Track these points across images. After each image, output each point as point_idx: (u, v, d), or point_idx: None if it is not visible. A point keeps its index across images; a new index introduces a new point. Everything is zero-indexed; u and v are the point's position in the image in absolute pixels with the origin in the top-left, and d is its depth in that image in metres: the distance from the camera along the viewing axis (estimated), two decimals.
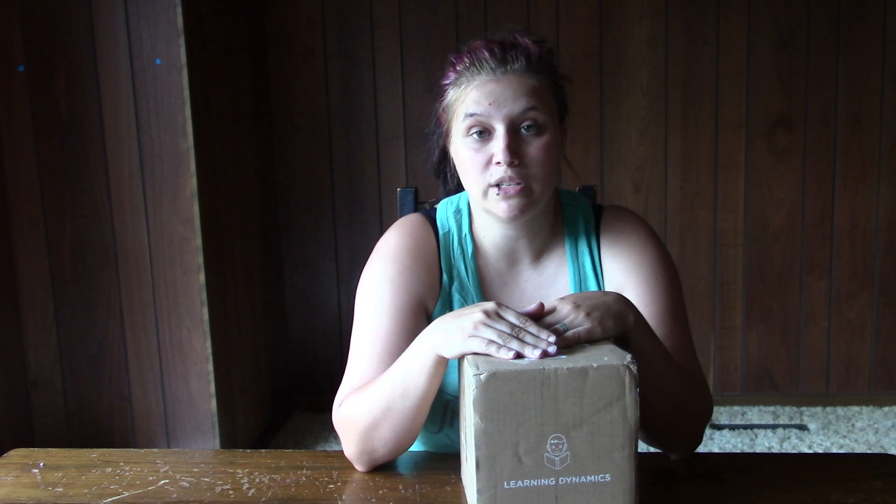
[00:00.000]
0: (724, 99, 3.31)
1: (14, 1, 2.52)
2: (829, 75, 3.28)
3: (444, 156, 1.31)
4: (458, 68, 1.22)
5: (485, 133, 1.18)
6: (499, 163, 1.16)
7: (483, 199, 1.20)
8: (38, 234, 2.62)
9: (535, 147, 1.17)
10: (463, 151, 1.21)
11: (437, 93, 1.27)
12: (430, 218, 1.32)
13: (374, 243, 1.31)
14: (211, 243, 2.69)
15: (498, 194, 1.18)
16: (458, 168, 1.25)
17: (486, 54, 1.19)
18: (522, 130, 1.18)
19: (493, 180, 1.18)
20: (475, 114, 1.18)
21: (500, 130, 1.17)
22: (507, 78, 1.18)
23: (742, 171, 3.35)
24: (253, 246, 3.17)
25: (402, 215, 1.54)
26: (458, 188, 1.32)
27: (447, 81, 1.25)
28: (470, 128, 1.19)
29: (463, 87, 1.21)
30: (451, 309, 1.26)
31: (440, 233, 1.30)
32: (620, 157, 3.35)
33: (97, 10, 2.52)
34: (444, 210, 1.32)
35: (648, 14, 3.27)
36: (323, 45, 3.34)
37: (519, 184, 1.17)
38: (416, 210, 1.56)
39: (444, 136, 1.27)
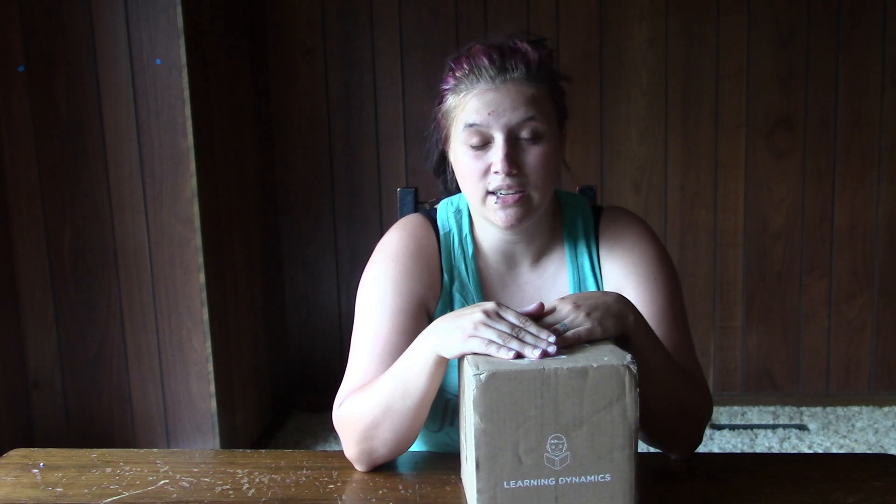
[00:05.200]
0: (724, 99, 3.31)
1: (14, 1, 2.52)
2: (829, 75, 3.28)
3: (443, 157, 1.31)
4: (457, 74, 1.22)
5: (484, 142, 1.18)
6: (497, 171, 1.17)
7: (482, 207, 1.21)
8: (38, 234, 2.62)
9: (533, 155, 1.17)
10: (462, 159, 1.21)
11: (436, 96, 1.27)
12: (431, 218, 1.32)
13: (374, 243, 1.31)
14: (211, 243, 2.69)
15: (496, 202, 1.18)
16: (456, 174, 1.25)
17: (486, 61, 1.19)
18: (521, 139, 1.18)
19: (491, 187, 1.18)
20: (475, 124, 1.18)
21: (498, 140, 1.17)
22: (506, 87, 1.18)
23: (742, 171, 3.35)
24: (253, 246, 3.17)
25: (402, 215, 1.54)
26: (458, 188, 1.32)
27: (446, 87, 1.24)
28: (469, 137, 1.19)
29: (462, 94, 1.20)
30: (451, 309, 1.26)
31: (441, 233, 1.30)
32: (620, 157, 3.35)
33: (97, 10, 2.52)
34: (445, 210, 1.32)
35: (648, 14, 3.27)
36: (323, 45, 3.34)
37: (518, 192, 1.17)
38: (416, 210, 1.56)
39: (444, 141, 1.27)
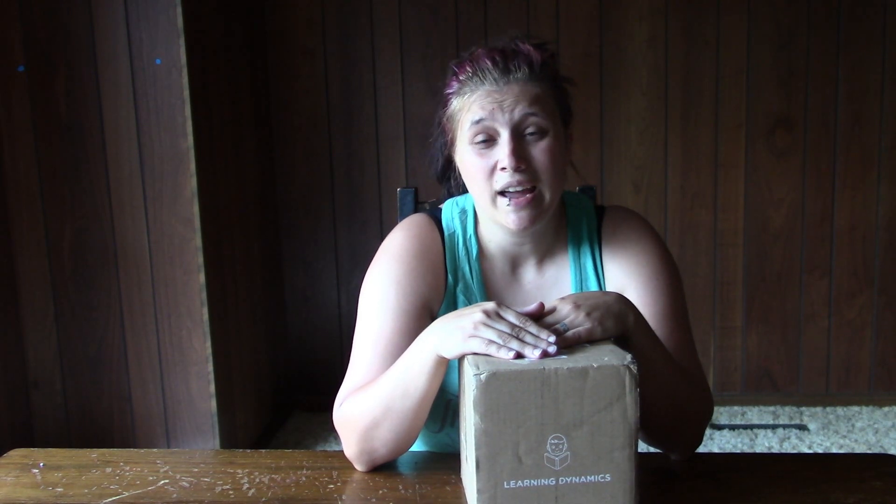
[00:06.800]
0: (724, 99, 3.31)
1: (14, 1, 2.52)
2: (829, 75, 3.28)
3: (449, 163, 1.31)
4: (461, 78, 1.22)
5: (490, 140, 1.19)
6: (504, 168, 1.17)
7: (492, 208, 1.20)
8: (38, 234, 2.62)
9: (538, 150, 1.18)
10: (468, 158, 1.21)
11: (440, 101, 1.27)
12: (436, 218, 1.32)
13: (374, 243, 1.31)
14: (211, 243, 2.69)
15: (508, 205, 1.18)
16: (463, 176, 1.25)
17: (489, 64, 1.19)
18: (526, 135, 1.18)
19: (498, 187, 1.18)
20: (480, 120, 1.18)
21: (504, 136, 1.17)
22: (509, 87, 1.18)
23: (742, 171, 3.35)
24: (253, 246, 3.17)
25: (402, 215, 1.53)
26: (463, 191, 1.32)
27: (450, 91, 1.25)
28: (475, 135, 1.19)
29: (467, 96, 1.21)
30: (455, 310, 1.26)
31: (445, 234, 1.30)
32: (620, 157, 3.35)
33: (97, 10, 2.52)
34: (450, 211, 1.32)
35: (648, 14, 3.27)
36: (323, 46, 3.34)
37: (528, 191, 1.17)
38: (415, 210, 1.56)
39: (449, 145, 1.27)
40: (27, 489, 1.16)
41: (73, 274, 2.64)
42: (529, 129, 1.18)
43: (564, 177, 1.24)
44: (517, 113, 1.17)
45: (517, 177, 1.16)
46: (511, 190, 1.18)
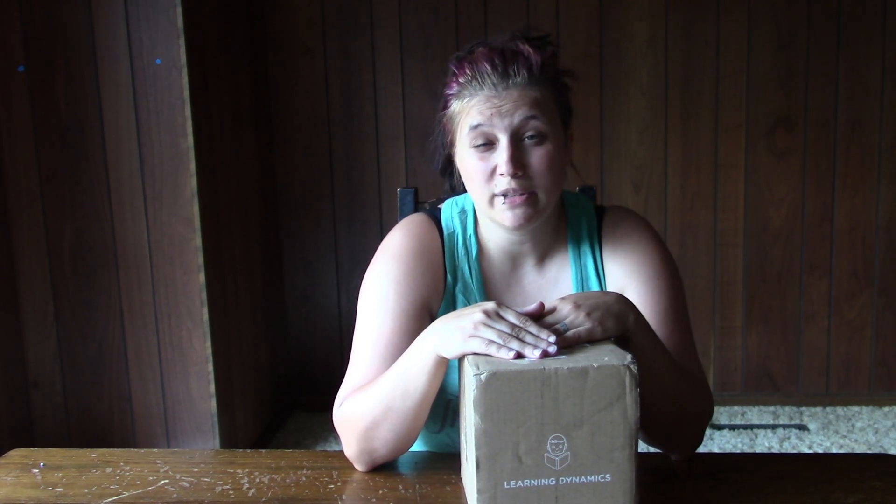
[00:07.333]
0: (724, 99, 3.31)
1: (14, 1, 2.52)
2: (829, 75, 3.28)
3: (449, 161, 1.31)
4: (460, 80, 1.22)
5: (489, 144, 1.19)
6: (502, 174, 1.17)
7: (489, 209, 1.21)
8: (38, 234, 2.62)
9: (537, 156, 1.18)
10: (468, 160, 1.21)
11: (440, 101, 1.27)
12: (435, 218, 1.32)
13: (374, 243, 1.31)
14: (211, 243, 2.69)
15: (504, 203, 1.18)
16: (463, 177, 1.25)
17: (488, 67, 1.19)
18: (525, 140, 1.18)
19: (497, 191, 1.18)
20: (479, 125, 1.18)
21: (503, 141, 1.17)
22: (508, 92, 1.18)
23: (742, 171, 3.35)
24: (253, 246, 3.17)
25: (402, 215, 1.54)
26: (465, 189, 1.32)
27: (450, 92, 1.24)
28: (474, 139, 1.19)
29: (466, 99, 1.21)
30: (454, 309, 1.26)
31: (445, 233, 1.30)
32: (620, 157, 3.35)
33: (97, 10, 2.52)
34: (449, 210, 1.32)
35: (648, 14, 3.27)
36: (323, 45, 3.34)
37: (524, 193, 1.17)
38: (415, 210, 1.56)
39: (449, 145, 1.27)
40: (27, 489, 1.16)
41: (73, 274, 2.64)
42: (529, 133, 1.18)
43: (563, 179, 1.24)
44: (516, 118, 1.17)
45: (514, 183, 1.17)
46: (509, 195, 1.18)
